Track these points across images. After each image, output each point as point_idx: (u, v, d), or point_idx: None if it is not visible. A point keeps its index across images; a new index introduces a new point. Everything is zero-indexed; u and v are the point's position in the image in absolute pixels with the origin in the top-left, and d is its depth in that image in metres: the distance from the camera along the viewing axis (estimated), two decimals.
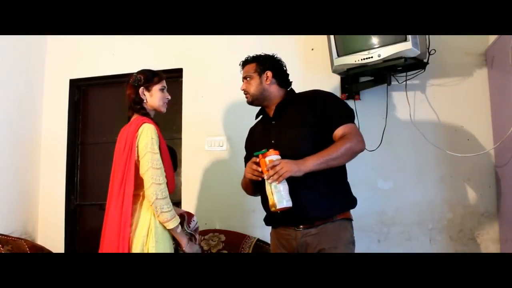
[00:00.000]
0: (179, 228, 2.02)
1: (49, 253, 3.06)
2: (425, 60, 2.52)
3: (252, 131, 2.26)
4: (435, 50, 2.50)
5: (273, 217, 2.01)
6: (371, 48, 2.45)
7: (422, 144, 2.67)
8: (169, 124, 3.15)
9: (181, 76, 3.20)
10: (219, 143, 3.07)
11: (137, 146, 2.00)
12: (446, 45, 2.62)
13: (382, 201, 2.72)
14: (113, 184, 2.06)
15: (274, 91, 2.08)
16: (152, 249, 1.95)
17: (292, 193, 1.83)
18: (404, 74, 2.67)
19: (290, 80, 2.14)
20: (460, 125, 2.70)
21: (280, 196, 1.80)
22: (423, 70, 2.60)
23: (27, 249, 2.95)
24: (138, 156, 2.00)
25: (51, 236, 3.28)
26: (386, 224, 2.73)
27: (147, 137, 1.98)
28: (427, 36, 2.47)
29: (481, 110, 2.66)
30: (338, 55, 2.58)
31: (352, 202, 2.00)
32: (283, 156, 1.84)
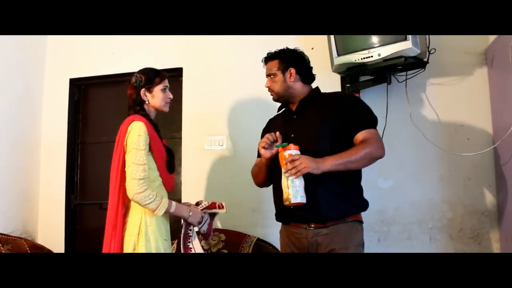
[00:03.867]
0: (172, 207, 2.00)
1: (47, 253, 3.06)
2: (425, 59, 2.52)
3: (271, 122, 2.25)
4: (435, 49, 2.50)
5: (285, 213, 2.01)
6: (371, 47, 2.45)
7: (422, 143, 2.67)
8: (169, 123, 3.15)
9: (181, 75, 3.20)
10: (219, 142, 3.07)
11: (126, 144, 2.01)
12: (446, 44, 2.62)
13: (382, 200, 2.72)
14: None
15: (299, 88, 2.07)
16: (142, 248, 1.94)
17: (307, 190, 1.84)
18: (404, 73, 2.67)
19: (314, 74, 2.14)
20: (460, 124, 2.70)
21: (295, 191, 1.81)
22: (423, 69, 2.59)
23: (27, 248, 2.95)
24: (125, 153, 2.01)
25: (51, 235, 3.28)
26: (386, 223, 2.73)
27: (134, 134, 1.98)
28: (427, 35, 2.47)
29: (481, 109, 2.66)
30: (338, 54, 2.58)
31: (364, 205, 2.00)
32: (301, 151, 1.85)
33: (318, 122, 1.98)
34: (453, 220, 2.65)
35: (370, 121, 1.98)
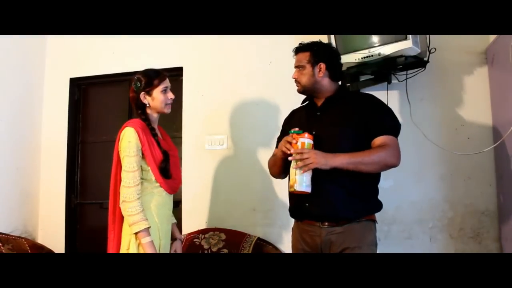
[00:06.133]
0: (146, 238, 1.93)
1: (47, 253, 3.06)
2: (426, 59, 2.51)
3: (293, 114, 2.22)
4: (435, 49, 2.49)
5: (299, 210, 2.00)
6: (371, 46, 2.44)
7: (423, 143, 2.67)
8: (170, 123, 3.15)
9: (181, 75, 3.20)
10: (220, 142, 3.07)
11: (120, 150, 2.03)
12: (446, 44, 2.61)
13: (382, 200, 2.67)
14: None
15: (326, 84, 2.04)
16: (132, 246, 1.95)
17: (323, 189, 1.86)
18: (404, 72, 2.66)
19: (343, 71, 2.11)
20: (460, 124, 2.69)
21: (301, 179, 1.82)
22: (423, 69, 2.59)
23: (28, 248, 2.95)
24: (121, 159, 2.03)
25: (52, 235, 3.29)
26: (386, 222, 2.72)
27: (125, 141, 2.00)
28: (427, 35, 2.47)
29: (482, 108, 2.66)
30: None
31: (379, 206, 2.00)
32: (320, 149, 1.85)
33: (341, 122, 1.96)
34: (453, 219, 2.65)
35: (392, 128, 1.95)
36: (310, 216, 1.97)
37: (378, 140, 1.90)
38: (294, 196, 1.97)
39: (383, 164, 1.88)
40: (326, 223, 1.92)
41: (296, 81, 2.06)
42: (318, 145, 1.88)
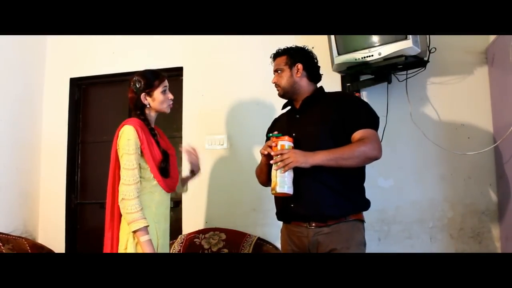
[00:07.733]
0: (144, 236, 1.93)
1: (47, 253, 3.06)
2: (426, 58, 2.51)
3: (276, 121, 2.26)
4: (435, 48, 2.49)
5: (286, 212, 2.01)
6: (371, 46, 2.45)
7: (423, 142, 2.67)
8: (170, 123, 3.15)
9: (181, 75, 3.20)
10: (220, 142, 3.07)
11: (118, 148, 2.03)
12: (446, 43, 2.62)
13: (383, 200, 2.72)
14: None
15: (304, 85, 2.08)
16: (130, 245, 1.95)
17: (307, 188, 1.87)
18: (404, 72, 2.67)
19: (321, 73, 2.15)
20: (460, 123, 2.69)
21: (283, 181, 1.83)
22: (423, 68, 2.59)
23: (28, 248, 2.95)
24: (119, 157, 2.03)
25: (52, 235, 3.29)
26: (386, 222, 2.73)
27: (124, 138, 1.99)
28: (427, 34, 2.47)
29: (482, 108, 2.66)
30: (339, 54, 2.58)
31: (366, 204, 2.01)
32: (300, 149, 1.87)
33: (319, 121, 1.98)
34: (453, 219, 2.65)
35: (369, 121, 1.97)
36: (297, 217, 1.98)
37: (357, 134, 1.91)
38: (279, 199, 1.98)
39: (364, 157, 1.88)
40: (313, 224, 1.93)
41: (276, 85, 2.12)
42: (298, 146, 1.90)
